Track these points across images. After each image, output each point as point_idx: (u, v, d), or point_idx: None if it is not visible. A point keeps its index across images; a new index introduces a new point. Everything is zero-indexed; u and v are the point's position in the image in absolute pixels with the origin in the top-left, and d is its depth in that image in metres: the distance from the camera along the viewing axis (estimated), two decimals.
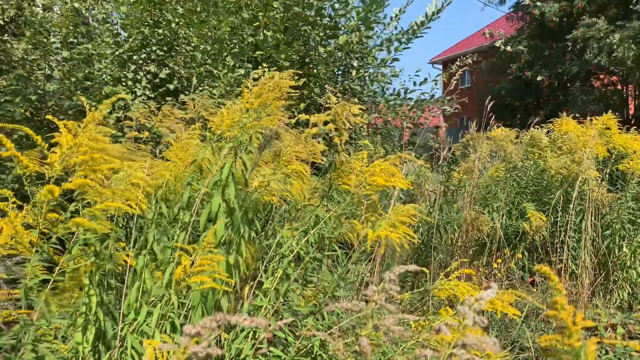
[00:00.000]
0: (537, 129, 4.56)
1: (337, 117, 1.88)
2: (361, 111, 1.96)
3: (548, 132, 4.61)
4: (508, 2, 29.13)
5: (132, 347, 1.56)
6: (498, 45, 16.28)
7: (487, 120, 4.86)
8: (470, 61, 5.86)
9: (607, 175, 4.35)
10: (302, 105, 5.43)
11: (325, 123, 1.98)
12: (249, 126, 1.64)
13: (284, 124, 2.28)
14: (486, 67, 17.72)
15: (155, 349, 1.10)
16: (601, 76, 16.29)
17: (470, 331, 1.91)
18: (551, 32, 16.13)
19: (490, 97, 5.28)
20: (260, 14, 5.37)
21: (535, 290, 3.90)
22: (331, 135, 1.96)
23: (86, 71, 4.05)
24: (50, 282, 1.47)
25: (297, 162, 2.10)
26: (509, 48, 16.03)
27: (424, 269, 2.09)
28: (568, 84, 16.60)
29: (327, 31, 5.78)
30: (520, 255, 4.06)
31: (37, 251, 1.40)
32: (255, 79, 1.74)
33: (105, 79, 4.41)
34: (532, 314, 3.30)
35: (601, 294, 3.81)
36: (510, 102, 17.26)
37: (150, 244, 1.67)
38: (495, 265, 3.88)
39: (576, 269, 3.77)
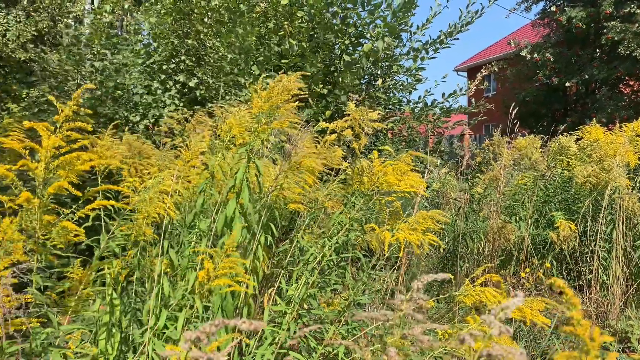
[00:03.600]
0: (565, 136, 4.47)
1: (354, 122, 1.88)
2: (380, 116, 1.95)
3: (577, 139, 4.52)
4: (534, 9, 28.72)
5: (154, 351, 1.58)
6: (524, 54, 16.03)
7: (512, 127, 4.79)
8: (496, 69, 5.80)
9: (638, 184, 4.24)
10: (328, 113, 5.45)
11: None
12: (260, 130, 1.64)
13: (308, 132, 2.30)
14: (512, 74, 17.46)
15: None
16: (631, 82, 15.87)
17: (498, 341, 1.88)
18: (577, 38, 15.82)
19: (515, 104, 5.20)
20: (286, 23, 5.43)
21: (564, 300, 3.81)
22: (349, 140, 1.96)
23: (117, 80, 4.16)
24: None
25: (308, 159, 2.06)
26: (535, 56, 15.77)
27: (450, 275, 2.07)
28: (596, 91, 16.22)
29: (352, 39, 5.80)
30: (548, 265, 3.98)
31: (38, 260, 1.42)
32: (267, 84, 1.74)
33: (134, 90, 4.52)
34: (561, 324, 3.22)
35: (634, 305, 3.70)
36: (536, 109, 16.94)
37: (166, 250, 1.68)
38: (523, 275, 3.81)
39: (607, 279, 3.68)
